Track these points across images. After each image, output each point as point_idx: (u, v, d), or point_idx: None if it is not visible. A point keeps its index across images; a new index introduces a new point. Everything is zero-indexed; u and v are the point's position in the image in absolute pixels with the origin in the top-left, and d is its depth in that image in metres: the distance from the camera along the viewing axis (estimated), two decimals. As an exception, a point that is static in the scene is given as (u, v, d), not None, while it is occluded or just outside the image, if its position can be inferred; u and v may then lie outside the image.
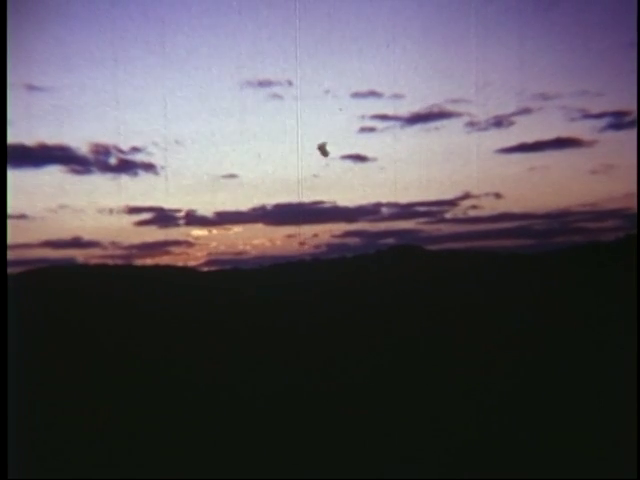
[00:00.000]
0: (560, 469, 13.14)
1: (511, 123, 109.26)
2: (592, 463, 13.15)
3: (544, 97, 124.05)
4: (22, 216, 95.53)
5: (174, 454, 15.18)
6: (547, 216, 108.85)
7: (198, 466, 14.77)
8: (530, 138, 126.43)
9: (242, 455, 15.10)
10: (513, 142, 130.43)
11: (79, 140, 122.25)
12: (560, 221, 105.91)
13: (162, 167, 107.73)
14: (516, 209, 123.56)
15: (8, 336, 20.08)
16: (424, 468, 13.99)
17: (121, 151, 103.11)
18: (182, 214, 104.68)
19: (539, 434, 15.12)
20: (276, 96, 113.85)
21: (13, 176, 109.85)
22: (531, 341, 26.92)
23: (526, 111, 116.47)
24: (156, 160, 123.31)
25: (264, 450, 15.20)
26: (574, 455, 13.74)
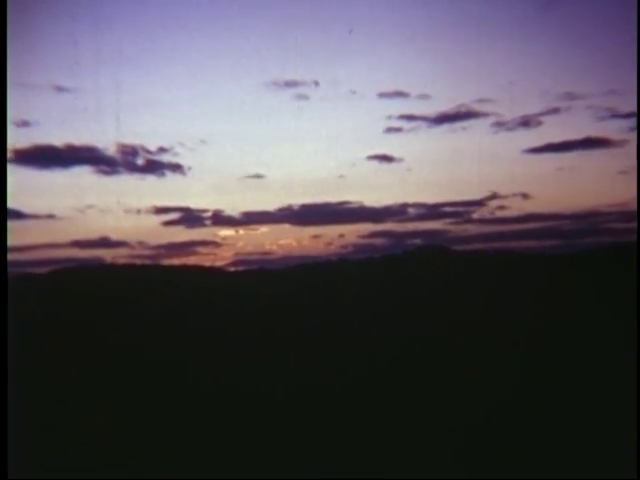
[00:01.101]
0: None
1: (539, 123, 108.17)
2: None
3: (571, 97, 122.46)
4: (50, 216, 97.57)
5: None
6: (575, 217, 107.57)
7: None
8: (558, 138, 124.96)
9: (259, 455, 15.17)
10: (541, 142, 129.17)
11: (106, 141, 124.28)
12: (588, 222, 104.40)
13: (189, 167, 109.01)
14: (544, 209, 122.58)
15: (29, 334, 20.41)
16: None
17: (148, 152, 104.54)
18: (209, 214, 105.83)
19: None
20: (302, 96, 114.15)
21: (41, 176, 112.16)
22: (557, 340, 26.74)
23: (554, 111, 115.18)
24: (183, 160, 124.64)
25: (288, 448, 15.28)
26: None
